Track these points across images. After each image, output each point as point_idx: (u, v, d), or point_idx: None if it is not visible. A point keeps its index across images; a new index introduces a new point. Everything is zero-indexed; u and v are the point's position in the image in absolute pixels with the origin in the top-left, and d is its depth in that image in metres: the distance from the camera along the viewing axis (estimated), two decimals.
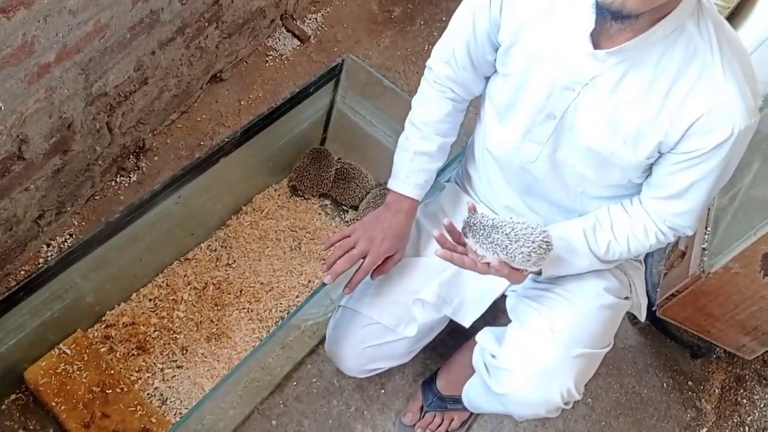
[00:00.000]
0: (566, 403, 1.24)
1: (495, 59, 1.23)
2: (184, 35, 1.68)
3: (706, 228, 1.75)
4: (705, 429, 1.82)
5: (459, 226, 1.43)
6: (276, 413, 1.57)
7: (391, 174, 1.39)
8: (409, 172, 1.36)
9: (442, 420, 1.61)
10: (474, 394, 1.45)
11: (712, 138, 1.05)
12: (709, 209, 1.80)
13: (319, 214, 1.86)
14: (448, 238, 1.20)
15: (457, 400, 1.56)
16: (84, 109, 1.46)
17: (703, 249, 1.70)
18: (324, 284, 1.35)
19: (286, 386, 1.61)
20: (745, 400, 1.89)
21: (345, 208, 1.89)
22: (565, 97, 1.13)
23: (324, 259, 1.39)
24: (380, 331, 1.41)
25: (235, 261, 1.71)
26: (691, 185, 1.12)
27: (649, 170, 1.16)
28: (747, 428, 1.83)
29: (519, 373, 1.23)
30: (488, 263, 1.15)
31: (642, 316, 1.44)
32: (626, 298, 1.36)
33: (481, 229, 1.13)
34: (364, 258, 1.30)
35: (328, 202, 1.89)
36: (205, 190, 1.56)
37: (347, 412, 1.61)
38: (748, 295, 1.61)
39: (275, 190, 1.86)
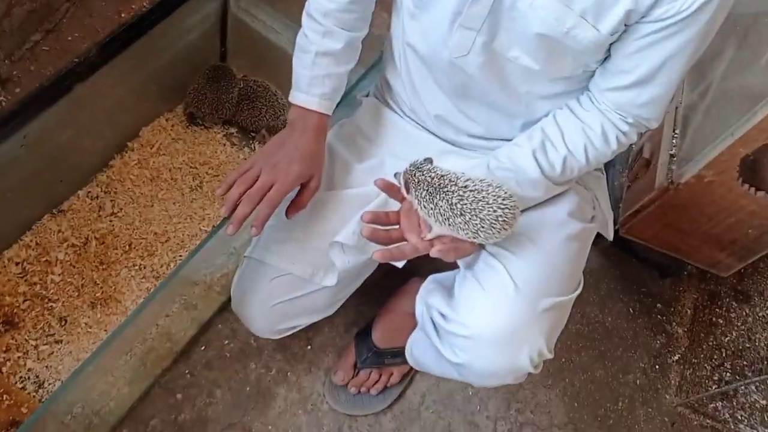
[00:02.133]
0: (536, 367, 1.03)
1: None
2: None
3: (674, 131, 1.51)
4: (677, 355, 1.64)
5: (378, 152, 1.20)
6: (181, 385, 1.33)
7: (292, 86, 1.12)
8: (312, 79, 1.09)
9: (380, 376, 1.39)
10: (421, 354, 1.23)
11: None
12: (676, 108, 1.55)
13: (224, 145, 1.57)
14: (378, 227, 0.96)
15: (397, 354, 1.35)
16: None
17: (671, 156, 1.48)
18: (219, 227, 1.09)
19: (192, 352, 1.37)
20: (720, 320, 1.70)
21: (253, 134, 1.60)
22: None
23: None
24: (293, 282, 1.18)
25: (121, 209, 1.43)
26: (663, 63, 0.91)
27: (607, 52, 0.94)
28: (724, 351, 1.66)
29: (479, 341, 1.01)
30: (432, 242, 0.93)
31: (609, 235, 1.23)
32: (592, 218, 1.15)
33: (427, 189, 0.91)
34: None
35: (234, 129, 1.60)
36: (66, 123, 1.27)
37: (267, 376, 1.38)
38: (724, 205, 1.40)
39: (168, 120, 1.56)
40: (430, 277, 1.15)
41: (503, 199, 0.88)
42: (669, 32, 0.87)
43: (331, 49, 1.09)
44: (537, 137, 1.01)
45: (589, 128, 0.99)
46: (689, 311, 1.71)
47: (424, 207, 0.91)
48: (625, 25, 0.89)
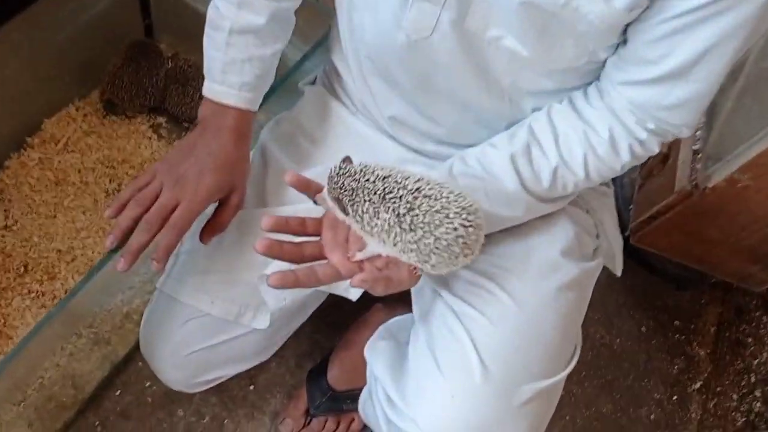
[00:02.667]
0: None
1: None
2: None
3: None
4: (699, 383, 1.41)
5: (324, 157, 0.94)
6: None
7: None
8: (227, 64, 0.86)
9: (337, 425, 1.15)
10: (372, 421, 0.98)
11: None
12: None
13: (149, 138, 1.32)
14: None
15: (357, 397, 1.10)
16: None
17: (695, 152, 1.23)
18: (107, 258, 0.85)
19: (104, 399, 1.13)
20: (749, 339, 1.46)
21: (186, 125, 1.35)
22: None
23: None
24: (213, 325, 0.94)
25: (16, 221, 1.18)
26: (703, 55, 0.67)
27: (622, 37, 0.70)
28: (754, 376, 1.41)
29: None
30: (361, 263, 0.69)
31: (618, 268, 1.01)
32: (595, 251, 0.91)
33: (365, 196, 0.66)
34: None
35: (162, 119, 1.35)
36: None
37: (199, 426, 1.15)
38: (761, 214, 1.15)
39: (78, 110, 1.31)
40: (381, 328, 0.91)
41: (468, 213, 0.65)
42: (712, 11, 0.64)
43: (251, 24, 0.84)
44: (521, 137, 0.77)
45: (593, 132, 0.75)
46: (712, 329, 1.48)
47: (360, 219, 0.66)
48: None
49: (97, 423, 1.11)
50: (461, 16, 0.72)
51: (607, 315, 1.43)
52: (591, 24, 0.66)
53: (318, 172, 0.93)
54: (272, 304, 0.91)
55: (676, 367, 1.41)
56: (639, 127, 0.73)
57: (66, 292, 1.14)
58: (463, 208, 0.64)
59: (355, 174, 0.67)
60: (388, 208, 0.64)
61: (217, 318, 0.92)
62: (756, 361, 1.45)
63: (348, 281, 0.73)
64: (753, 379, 1.41)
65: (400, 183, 0.65)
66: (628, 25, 0.68)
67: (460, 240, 0.63)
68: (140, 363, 1.16)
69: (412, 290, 0.90)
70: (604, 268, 1.00)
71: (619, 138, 0.74)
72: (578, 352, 0.85)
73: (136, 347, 1.15)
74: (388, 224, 0.65)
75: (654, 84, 0.70)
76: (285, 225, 0.72)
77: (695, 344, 1.44)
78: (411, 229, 0.64)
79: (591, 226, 0.90)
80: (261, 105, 0.90)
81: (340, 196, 0.67)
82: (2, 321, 1.10)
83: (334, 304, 1.04)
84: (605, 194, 0.95)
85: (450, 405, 0.75)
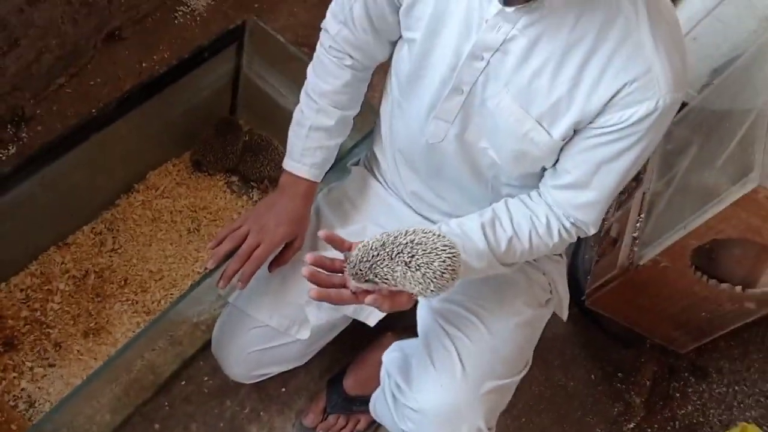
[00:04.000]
0: None
1: (398, 21, 1.07)
2: None
3: (639, 215, 1.63)
4: (633, 424, 1.72)
5: (362, 219, 1.30)
6: (160, 416, 1.43)
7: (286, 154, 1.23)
8: (305, 150, 1.20)
9: (347, 422, 1.49)
10: (381, 412, 1.32)
11: (633, 111, 0.92)
12: (644, 193, 1.67)
13: (224, 191, 1.69)
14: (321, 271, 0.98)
15: (365, 401, 1.43)
16: None
17: (634, 238, 1.58)
18: (206, 276, 1.20)
19: (173, 386, 1.46)
20: (677, 394, 1.79)
21: (253, 184, 1.72)
22: (473, 67, 0.98)
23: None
24: (269, 333, 1.27)
25: (121, 246, 1.54)
26: (599, 167, 0.98)
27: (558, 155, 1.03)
28: (678, 423, 1.74)
29: (425, 415, 1.12)
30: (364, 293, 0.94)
31: (564, 314, 1.33)
32: (547, 301, 1.25)
33: (368, 269, 0.91)
34: None
35: (235, 178, 1.72)
36: (91, 161, 1.39)
37: (241, 414, 1.47)
38: (678, 288, 1.50)
39: (174, 166, 1.68)
40: (395, 344, 1.25)
41: (449, 247, 0.90)
42: (608, 139, 0.95)
43: (324, 124, 1.19)
44: (488, 214, 1.06)
45: (535, 217, 1.06)
46: (648, 382, 1.78)
47: (386, 281, 0.90)
48: (574, 131, 0.98)
49: (166, 404, 1.44)
50: (462, 131, 1.06)
51: (565, 362, 1.75)
52: (540, 148, 0.99)
53: (355, 229, 1.30)
54: (312, 321, 1.25)
55: (615, 409, 1.72)
56: (564, 218, 1.05)
57: (153, 303, 1.50)
58: (445, 245, 0.89)
59: (363, 258, 0.90)
60: (398, 262, 0.89)
61: (273, 328, 1.25)
62: (681, 412, 1.78)
63: (369, 316, 1.13)
64: (677, 426, 1.75)
65: (397, 242, 0.89)
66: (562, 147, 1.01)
67: (449, 268, 0.89)
68: (202, 362, 1.50)
69: (418, 317, 1.23)
70: (561, 323, 1.35)
71: (552, 223, 1.05)
72: (528, 366, 1.19)
73: (201, 349, 1.51)
74: (402, 272, 0.89)
75: (568, 188, 1.01)
76: (321, 261, 0.96)
77: (633, 393, 1.75)
78: (417, 269, 0.89)
79: (545, 284, 1.25)
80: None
81: (364, 277, 0.91)
82: (105, 320, 1.46)
83: (354, 329, 1.37)
84: (558, 261, 1.30)
85: (440, 390, 1.10)
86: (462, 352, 1.13)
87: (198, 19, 1.96)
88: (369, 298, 0.92)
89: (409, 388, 1.14)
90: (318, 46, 1.19)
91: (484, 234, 1.03)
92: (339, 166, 1.32)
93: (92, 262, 1.50)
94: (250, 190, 1.72)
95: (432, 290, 0.92)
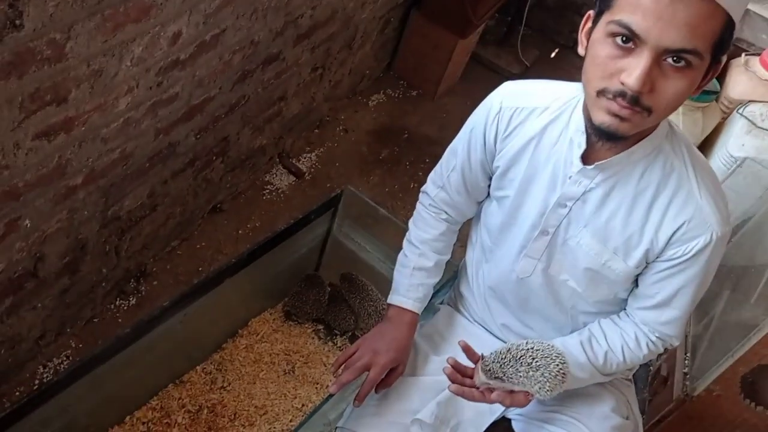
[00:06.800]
0: None
1: (488, 185, 1.34)
2: (193, 167, 1.80)
3: (685, 354, 1.82)
4: None
5: (451, 348, 1.50)
6: None
7: (390, 291, 1.46)
8: (409, 286, 1.43)
9: None
10: None
11: (693, 244, 1.15)
12: (686, 336, 1.88)
13: (312, 338, 1.90)
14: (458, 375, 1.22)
15: None
16: (98, 231, 1.53)
17: (685, 374, 1.76)
18: (322, 404, 1.38)
19: None
20: None
21: (337, 332, 1.93)
22: (558, 213, 1.22)
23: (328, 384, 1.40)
24: None
25: (230, 384, 1.72)
26: (677, 291, 1.19)
27: (634, 283, 1.25)
28: None
29: None
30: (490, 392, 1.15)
31: None
32: (627, 417, 1.40)
33: (499, 368, 1.13)
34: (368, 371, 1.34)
35: (321, 326, 1.94)
36: (204, 313, 1.60)
37: None
38: (730, 417, 1.66)
39: (270, 314, 1.91)
40: None
41: (561, 355, 1.11)
42: (679, 268, 1.15)
43: (425, 265, 1.44)
44: (585, 333, 1.26)
45: (626, 333, 1.24)
46: None
47: (516, 381, 1.11)
48: (646, 261, 1.21)
49: None
50: (547, 266, 1.24)
51: None
52: (617, 275, 1.17)
53: (445, 358, 1.51)
54: None
55: None
56: (651, 333, 1.26)
57: None
58: (558, 353, 1.10)
59: (494, 359, 1.12)
60: (521, 363, 1.09)
61: None
62: None
63: None
64: None
65: (520, 347, 1.11)
66: (637, 276, 1.22)
67: (561, 372, 1.11)
68: None
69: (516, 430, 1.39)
70: None
71: (640, 338, 1.22)
72: None
73: None
74: (525, 372, 1.09)
75: (652, 309, 1.19)
76: (457, 365, 1.19)
77: None
78: (536, 369, 1.09)
79: (624, 401, 1.41)
80: None
81: (494, 374, 1.12)
82: None
83: None
84: (629, 386, 1.46)
85: None
86: None
87: (282, 195, 2.29)
88: (495, 394, 1.13)
89: None
90: (418, 204, 1.47)
91: (583, 349, 1.24)
92: (428, 306, 1.53)
93: (205, 398, 1.67)
94: (334, 338, 1.92)
95: (548, 390, 1.12)
